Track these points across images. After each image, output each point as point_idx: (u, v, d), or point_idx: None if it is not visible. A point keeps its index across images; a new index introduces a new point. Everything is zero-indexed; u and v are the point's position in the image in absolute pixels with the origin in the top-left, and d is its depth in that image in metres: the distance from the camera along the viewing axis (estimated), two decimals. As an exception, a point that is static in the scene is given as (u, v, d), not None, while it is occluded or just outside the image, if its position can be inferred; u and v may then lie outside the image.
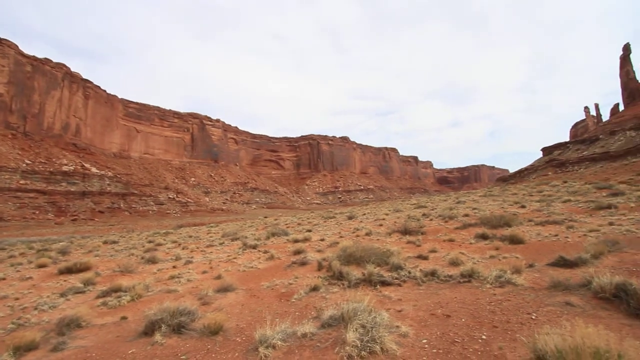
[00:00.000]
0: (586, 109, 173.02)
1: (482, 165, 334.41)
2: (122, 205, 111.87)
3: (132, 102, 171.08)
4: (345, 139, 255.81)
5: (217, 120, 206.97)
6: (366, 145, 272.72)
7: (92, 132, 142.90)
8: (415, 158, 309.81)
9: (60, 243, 32.83)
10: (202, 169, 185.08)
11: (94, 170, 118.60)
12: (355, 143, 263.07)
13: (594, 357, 2.87)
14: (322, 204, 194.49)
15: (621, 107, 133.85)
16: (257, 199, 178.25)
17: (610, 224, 11.74)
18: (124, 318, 6.61)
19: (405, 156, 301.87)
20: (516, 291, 5.41)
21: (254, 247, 15.40)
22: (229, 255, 13.89)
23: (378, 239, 13.58)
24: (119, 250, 21.14)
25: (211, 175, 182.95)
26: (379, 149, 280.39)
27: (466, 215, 18.67)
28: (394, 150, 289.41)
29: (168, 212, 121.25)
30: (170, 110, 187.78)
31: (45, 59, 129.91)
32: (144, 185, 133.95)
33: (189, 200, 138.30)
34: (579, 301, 4.61)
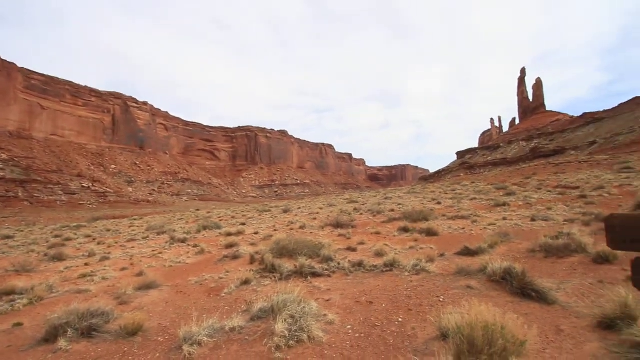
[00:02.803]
0: (492, 120, 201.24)
1: (408, 165, 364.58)
2: (20, 194, 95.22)
3: (35, 73, 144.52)
4: (283, 133, 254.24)
5: (145, 103, 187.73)
6: (304, 140, 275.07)
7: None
8: (350, 155, 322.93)
9: None
10: (125, 155, 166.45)
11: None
12: (294, 137, 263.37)
13: (484, 329, 3.38)
14: (258, 197, 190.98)
15: (517, 121, 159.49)
16: (189, 191, 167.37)
17: (504, 218, 13.86)
18: (18, 325, 5.72)
19: (340, 153, 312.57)
20: (429, 278, 6.09)
21: (183, 241, 14.54)
22: (153, 251, 12.90)
23: (311, 232, 13.93)
24: (14, 247, 18.10)
25: (136, 163, 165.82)
26: (317, 144, 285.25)
27: (392, 210, 20.22)
28: (331, 146, 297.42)
29: (81, 203, 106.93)
30: (86, 87, 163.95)
31: None
32: (50, 171, 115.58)
33: (108, 190, 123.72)
34: (477, 284, 5.40)
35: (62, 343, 4.43)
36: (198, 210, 59.84)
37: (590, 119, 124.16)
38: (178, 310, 5.79)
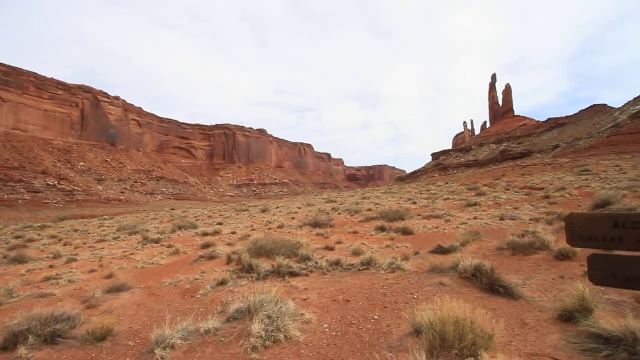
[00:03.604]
0: (464, 123, 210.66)
1: (385, 165, 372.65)
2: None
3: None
4: (262, 131, 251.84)
5: (116, 98, 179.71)
6: (283, 139, 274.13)
7: None
8: (328, 155, 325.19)
9: None
10: (94, 152, 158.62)
11: None
12: (272, 136, 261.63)
13: (455, 325, 3.51)
14: (235, 196, 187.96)
15: (488, 124, 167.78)
16: (164, 189, 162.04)
17: (475, 218, 14.43)
18: (-27, 332, 5.34)
19: (319, 152, 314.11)
20: (404, 275, 6.24)
21: (157, 241, 14.09)
22: (125, 251, 12.41)
23: (289, 232, 13.90)
24: (-32, 249, 16.79)
25: (106, 160, 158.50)
26: (295, 143, 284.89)
27: (369, 209, 20.54)
28: (309, 146, 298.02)
29: (46, 201, 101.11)
30: (52, 79, 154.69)
31: None
32: (11, 168, 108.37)
33: (76, 188, 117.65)
34: (449, 281, 5.59)
35: (22, 351, 4.17)
36: (173, 209, 58.10)
37: (554, 123, 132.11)
38: (150, 312, 5.61)
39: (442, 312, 3.63)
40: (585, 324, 3.47)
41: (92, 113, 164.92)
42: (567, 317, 3.82)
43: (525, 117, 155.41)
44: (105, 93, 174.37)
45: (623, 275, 2.07)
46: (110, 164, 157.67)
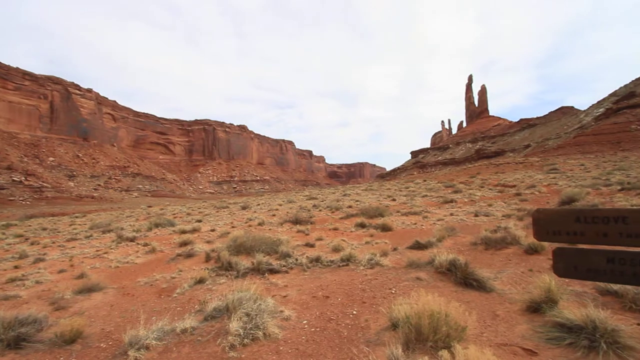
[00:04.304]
0: (442, 122, 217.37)
1: (366, 162, 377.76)
2: None
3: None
4: (243, 128, 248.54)
5: (89, 90, 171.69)
6: (264, 136, 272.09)
7: None
8: (310, 152, 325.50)
9: None
10: (65, 147, 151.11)
11: None
12: (253, 133, 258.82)
13: (430, 318, 3.61)
14: (215, 193, 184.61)
15: (465, 124, 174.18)
16: (140, 186, 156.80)
17: (451, 214, 14.87)
18: None
19: (301, 150, 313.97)
20: (383, 271, 6.35)
21: (132, 239, 13.63)
22: (97, 250, 11.94)
23: (270, 229, 13.81)
24: None
25: (78, 156, 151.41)
26: (277, 140, 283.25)
27: (350, 206, 20.75)
28: (291, 143, 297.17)
29: (12, 198, 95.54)
30: (18, 68, 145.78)
31: None
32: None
33: (45, 184, 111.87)
34: (426, 275, 5.74)
35: (-17, 356, 3.95)
36: (150, 206, 56.35)
37: (525, 124, 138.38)
38: (124, 313, 5.44)
39: (418, 306, 3.72)
40: (551, 314, 3.66)
41: (62, 106, 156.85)
42: (535, 308, 4.01)
43: (499, 118, 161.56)
44: (77, 85, 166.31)
45: (584, 267, 2.19)
46: (82, 160, 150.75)
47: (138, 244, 12.77)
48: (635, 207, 2.09)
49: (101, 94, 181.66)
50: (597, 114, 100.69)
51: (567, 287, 4.49)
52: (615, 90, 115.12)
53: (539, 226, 2.37)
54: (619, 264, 2.06)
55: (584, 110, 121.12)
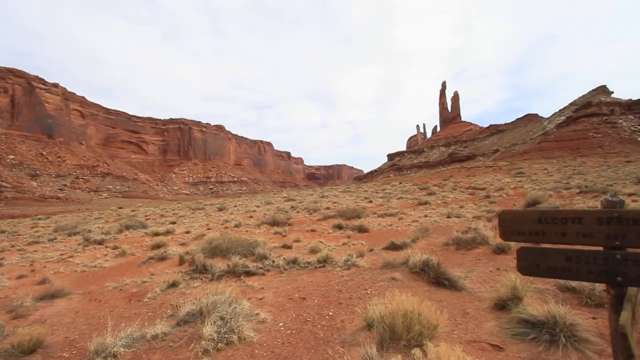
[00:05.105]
0: (417, 127, 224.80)
1: (344, 165, 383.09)
2: None
3: None
4: (220, 128, 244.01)
5: (55, 85, 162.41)
6: (242, 137, 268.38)
7: None
8: (288, 154, 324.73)
9: None
10: (27, 144, 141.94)
11: None
12: (231, 133, 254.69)
13: (404, 317, 3.69)
14: (191, 194, 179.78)
15: (438, 129, 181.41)
16: (110, 187, 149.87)
17: (425, 216, 15.33)
18: None
19: (279, 151, 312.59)
20: (359, 272, 6.43)
21: (100, 242, 13.03)
22: (62, 254, 11.32)
23: (247, 231, 13.64)
24: None
25: (42, 154, 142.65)
26: (255, 141, 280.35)
27: (328, 208, 20.89)
28: (269, 144, 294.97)
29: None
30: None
31: None
32: None
33: (4, 184, 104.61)
34: (400, 276, 5.87)
35: None
36: (121, 208, 53.95)
37: (494, 130, 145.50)
38: (90, 320, 5.18)
39: (393, 306, 3.79)
40: (517, 311, 3.85)
41: (25, 100, 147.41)
42: (502, 305, 4.20)
43: (470, 123, 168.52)
44: (42, 79, 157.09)
45: (545, 266, 2.32)
46: (46, 158, 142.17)
47: (107, 247, 12.22)
48: (590, 209, 2.25)
49: (69, 90, 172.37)
50: (559, 122, 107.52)
51: (531, 284, 4.74)
52: (575, 100, 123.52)
53: (504, 227, 2.49)
54: (575, 262, 2.20)
55: (548, 118, 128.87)
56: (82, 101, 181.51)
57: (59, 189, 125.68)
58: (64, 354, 4.03)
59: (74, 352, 4.07)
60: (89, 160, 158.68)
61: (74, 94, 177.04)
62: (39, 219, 37.94)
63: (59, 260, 10.36)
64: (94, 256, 10.67)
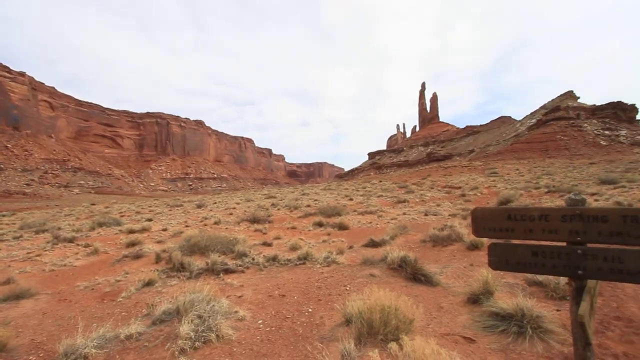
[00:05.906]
0: (397, 126, 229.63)
1: (325, 162, 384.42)
2: None
3: None
4: (200, 123, 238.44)
5: (21, 74, 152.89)
6: (222, 133, 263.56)
7: None
8: (269, 151, 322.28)
9: None
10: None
11: None
12: (211, 129, 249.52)
13: (381, 312, 3.77)
14: (169, 191, 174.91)
15: (418, 128, 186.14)
16: (82, 182, 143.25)
17: (404, 213, 15.67)
18: None
19: (260, 148, 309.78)
20: (338, 269, 6.50)
21: (71, 240, 12.47)
22: (29, 253, 10.75)
23: (227, 228, 13.45)
24: None
25: (7, 147, 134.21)
26: (235, 137, 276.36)
27: (308, 205, 20.93)
28: (250, 140, 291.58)
29: None
30: None
31: None
32: None
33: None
34: (379, 272, 5.98)
35: None
36: (93, 204, 51.76)
37: (470, 131, 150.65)
38: (60, 321, 4.96)
39: (371, 301, 3.87)
40: (488, 305, 4.02)
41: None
42: (475, 299, 4.38)
43: (448, 124, 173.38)
44: (7, 67, 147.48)
45: (514, 261, 2.45)
46: (11, 151, 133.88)
47: (78, 244, 11.71)
48: (555, 207, 2.39)
49: (37, 79, 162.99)
50: (530, 124, 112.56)
51: (501, 279, 4.96)
52: (545, 104, 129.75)
53: (477, 223, 2.60)
54: (541, 257, 2.33)
55: (520, 120, 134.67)
56: (52, 92, 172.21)
57: (26, 184, 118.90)
58: (30, 357, 3.85)
59: (41, 354, 3.90)
60: (58, 154, 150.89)
61: (43, 83, 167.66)
62: (3, 215, 35.84)
63: (26, 259, 9.84)
64: (64, 254, 10.20)
